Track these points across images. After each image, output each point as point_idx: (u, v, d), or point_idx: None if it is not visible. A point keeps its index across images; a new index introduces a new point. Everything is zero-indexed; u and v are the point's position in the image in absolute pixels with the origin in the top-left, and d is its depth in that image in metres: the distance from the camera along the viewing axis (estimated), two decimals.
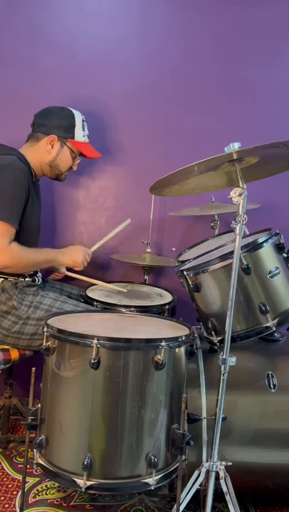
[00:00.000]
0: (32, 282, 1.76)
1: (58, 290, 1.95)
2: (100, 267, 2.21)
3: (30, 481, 1.63)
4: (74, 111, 1.82)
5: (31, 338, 1.65)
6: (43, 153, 1.80)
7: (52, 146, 1.79)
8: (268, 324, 1.44)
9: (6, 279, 1.68)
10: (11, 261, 1.61)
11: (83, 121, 1.84)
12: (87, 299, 1.78)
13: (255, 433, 1.41)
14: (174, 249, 2.23)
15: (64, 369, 1.27)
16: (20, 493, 1.53)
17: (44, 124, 1.79)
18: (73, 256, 1.82)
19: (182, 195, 1.56)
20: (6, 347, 1.68)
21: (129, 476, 1.23)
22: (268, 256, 1.48)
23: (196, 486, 1.29)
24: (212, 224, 2.05)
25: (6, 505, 1.49)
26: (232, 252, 1.23)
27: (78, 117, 1.82)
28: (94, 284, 1.98)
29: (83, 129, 1.83)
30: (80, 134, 1.82)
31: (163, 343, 1.24)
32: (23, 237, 1.68)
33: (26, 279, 1.73)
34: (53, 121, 1.79)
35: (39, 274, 1.85)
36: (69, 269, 1.97)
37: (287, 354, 1.58)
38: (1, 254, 1.59)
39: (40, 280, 1.84)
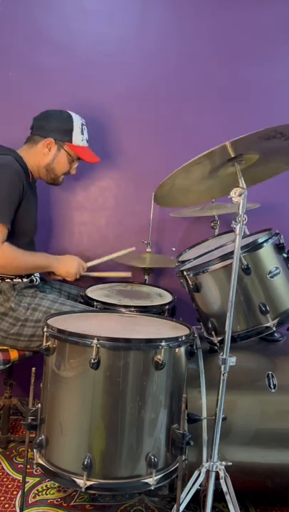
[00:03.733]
0: (30, 283, 1.76)
1: (57, 290, 1.95)
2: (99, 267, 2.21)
3: (30, 481, 1.63)
4: (73, 114, 1.81)
5: (30, 340, 1.65)
6: (40, 156, 1.79)
7: (49, 150, 1.78)
8: (268, 324, 1.44)
9: (3, 280, 1.68)
10: (2, 261, 1.61)
11: (82, 125, 1.82)
12: (87, 299, 1.78)
13: (255, 433, 1.41)
14: (174, 249, 2.23)
15: (64, 369, 1.27)
16: (20, 493, 1.53)
17: (42, 127, 1.78)
18: (68, 266, 1.81)
19: (187, 204, 1.55)
20: (6, 347, 1.68)
21: (129, 476, 1.23)
22: (268, 256, 1.48)
23: (196, 486, 1.29)
24: (212, 224, 2.05)
25: (6, 505, 1.49)
26: (232, 252, 1.23)
27: (77, 121, 1.81)
28: (94, 284, 1.98)
29: (82, 133, 1.81)
30: (79, 138, 1.80)
31: (163, 343, 1.24)
32: (17, 238, 1.68)
33: (24, 280, 1.73)
34: (51, 125, 1.77)
35: (36, 274, 1.84)
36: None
37: (287, 354, 1.58)
38: None
39: (38, 280, 1.84)
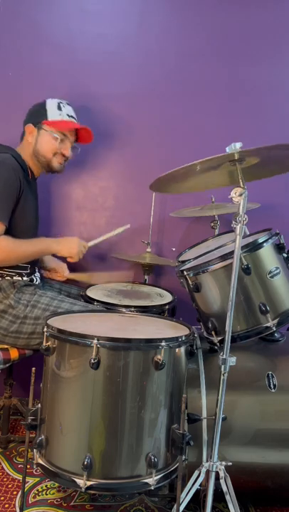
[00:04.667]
0: (30, 282, 1.76)
1: (57, 290, 1.95)
2: (99, 268, 2.21)
3: (30, 481, 1.63)
4: (48, 99, 1.81)
5: (29, 337, 1.65)
6: (27, 145, 1.80)
7: (31, 136, 1.78)
8: (268, 324, 1.44)
9: (3, 277, 1.68)
10: (1, 255, 1.61)
11: (60, 103, 1.80)
12: (87, 299, 1.78)
13: (255, 433, 1.41)
14: (174, 249, 2.23)
15: (64, 369, 1.27)
16: (20, 493, 1.53)
17: (24, 122, 1.82)
18: (68, 245, 1.80)
19: (182, 192, 1.56)
20: (6, 346, 1.68)
21: (129, 476, 1.23)
22: (268, 256, 1.48)
23: (196, 486, 1.29)
24: (212, 224, 2.05)
25: (6, 505, 1.49)
26: (232, 252, 1.23)
27: (51, 101, 1.80)
28: (94, 284, 1.98)
29: (59, 109, 1.78)
30: (55, 113, 1.78)
31: (163, 343, 1.24)
32: (16, 234, 1.68)
33: (24, 279, 1.73)
34: (28, 115, 1.81)
35: (37, 274, 1.85)
36: (70, 271, 1.97)
37: (287, 354, 1.58)
38: None
39: (39, 280, 1.84)
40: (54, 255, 1.87)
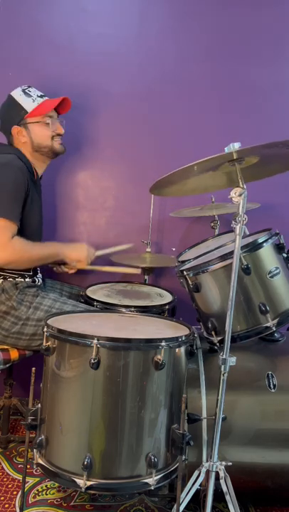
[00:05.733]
0: (32, 283, 1.76)
1: (58, 290, 1.95)
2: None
3: (30, 481, 1.63)
4: (12, 92, 1.79)
5: (31, 339, 1.65)
6: (24, 146, 1.78)
7: (23, 135, 1.77)
8: (267, 324, 1.44)
9: (6, 279, 1.68)
10: (13, 256, 1.62)
11: (23, 90, 1.78)
12: (87, 299, 1.78)
13: (255, 433, 1.41)
14: (174, 249, 2.23)
15: (64, 369, 1.27)
16: (20, 493, 1.53)
17: (2, 127, 1.81)
18: (78, 251, 1.83)
19: (182, 195, 1.56)
20: (6, 347, 1.68)
21: (129, 476, 1.23)
22: (267, 256, 1.48)
23: (196, 486, 1.29)
24: (212, 224, 2.05)
25: (6, 505, 1.49)
26: (232, 252, 1.23)
27: (16, 93, 1.78)
28: (94, 284, 1.98)
29: (29, 96, 1.77)
30: (29, 102, 1.76)
31: (163, 343, 1.24)
32: (24, 235, 1.69)
33: (26, 280, 1.73)
34: (3, 118, 1.80)
35: (39, 275, 1.85)
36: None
37: (287, 354, 1.58)
38: (3, 250, 1.59)
39: (41, 281, 1.84)
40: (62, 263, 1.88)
